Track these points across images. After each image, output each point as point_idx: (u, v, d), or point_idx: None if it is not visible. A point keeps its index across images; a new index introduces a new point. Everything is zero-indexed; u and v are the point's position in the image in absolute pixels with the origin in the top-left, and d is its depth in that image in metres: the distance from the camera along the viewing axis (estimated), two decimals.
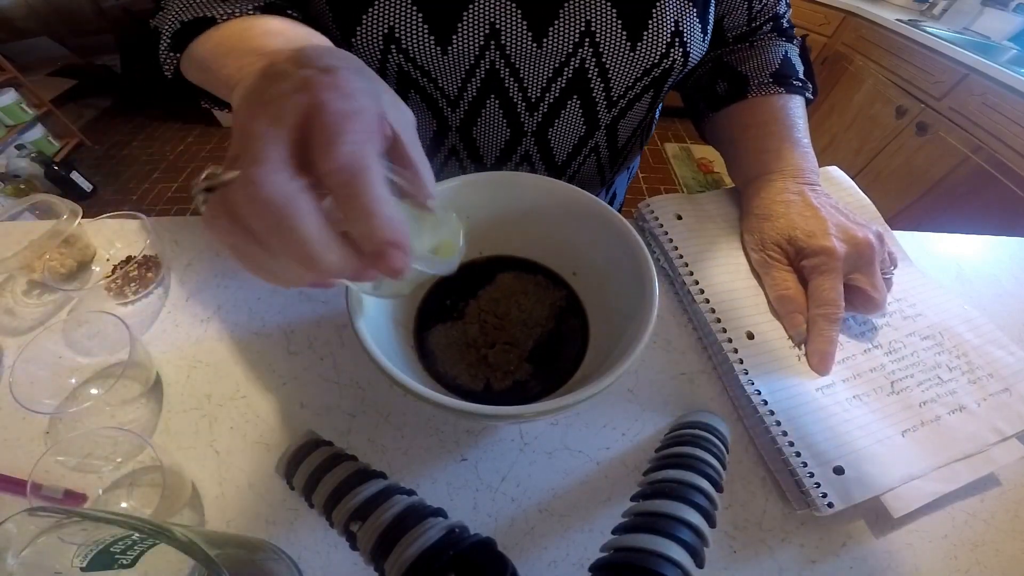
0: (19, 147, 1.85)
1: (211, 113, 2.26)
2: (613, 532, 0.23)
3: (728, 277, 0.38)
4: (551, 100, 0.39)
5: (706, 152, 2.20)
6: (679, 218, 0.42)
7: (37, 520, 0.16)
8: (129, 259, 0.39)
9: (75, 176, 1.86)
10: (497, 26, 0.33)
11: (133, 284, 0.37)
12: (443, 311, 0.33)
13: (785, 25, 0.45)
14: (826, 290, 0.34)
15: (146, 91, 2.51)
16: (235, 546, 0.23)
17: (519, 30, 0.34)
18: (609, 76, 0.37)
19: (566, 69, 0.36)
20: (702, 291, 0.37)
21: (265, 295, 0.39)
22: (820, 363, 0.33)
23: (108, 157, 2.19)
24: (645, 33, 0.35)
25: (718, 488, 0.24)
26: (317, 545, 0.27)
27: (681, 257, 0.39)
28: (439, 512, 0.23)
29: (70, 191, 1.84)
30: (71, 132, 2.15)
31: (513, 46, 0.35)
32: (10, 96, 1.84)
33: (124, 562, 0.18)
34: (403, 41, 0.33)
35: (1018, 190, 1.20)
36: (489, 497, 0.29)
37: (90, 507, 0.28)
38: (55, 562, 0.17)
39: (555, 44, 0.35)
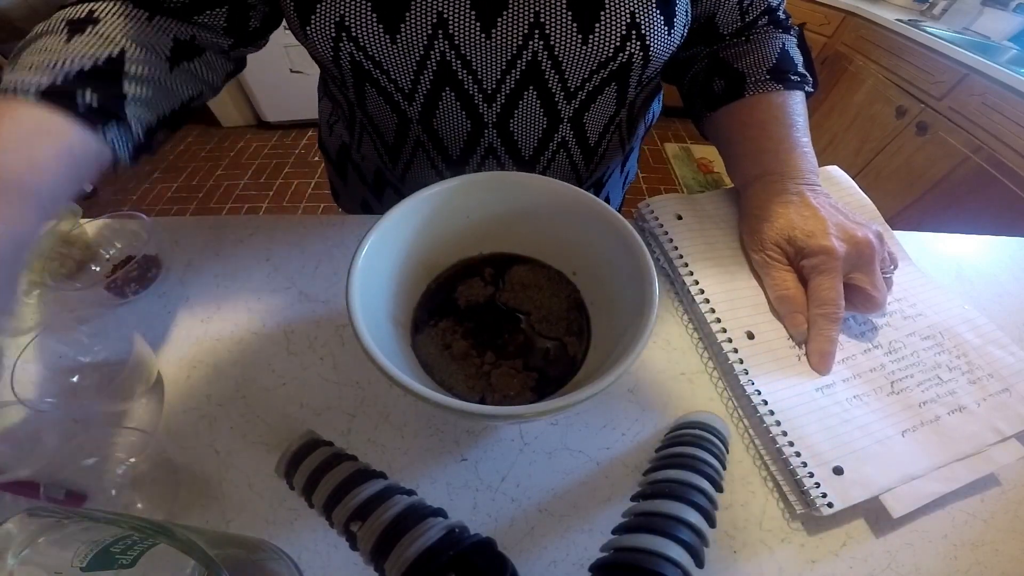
0: None
1: (211, 113, 2.26)
2: (613, 532, 0.23)
3: (728, 277, 0.38)
4: (507, 91, 0.38)
5: (706, 152, 2.20)
6: (679, 218, 0.42)
7: (37, 520, 0.16)
8: (129, 259, 0.39)
9: None
10: (445, 16, 0.33)
11: (133, 284, 0.37)
12: (445, 311, 0.33)
13: (781, 16, 0.44)
14: (826, 289, 0.34)
15: None
16: (235, 546, 0.23)
17: (467, 20, 0.34)
18: (563, 68, 0.36)
19: (519, 61, 0.36)
20: (702, 291, 0.37)
21: (265, 295, 0.39)
22: (820, 362, 0.34)
23: None
24: (597, 25, 0.34)
25: (718, 488, 0.24)
26: (317, 545, 0.27)
27: (681, 257, 0.39)
28: (439, 512, 0.23)
29: None
30: None
31: (462, 37, 0.34)
32: None
33: (124, 562, 0.18)
34: (353, 29, 0.33)
35: (1018, 190, 1.20)
36: (489, 497, 0.29)
37: (95, 507, 0.28)
38: (55, 562, 0.17)
39: (504, 36, 0.34)
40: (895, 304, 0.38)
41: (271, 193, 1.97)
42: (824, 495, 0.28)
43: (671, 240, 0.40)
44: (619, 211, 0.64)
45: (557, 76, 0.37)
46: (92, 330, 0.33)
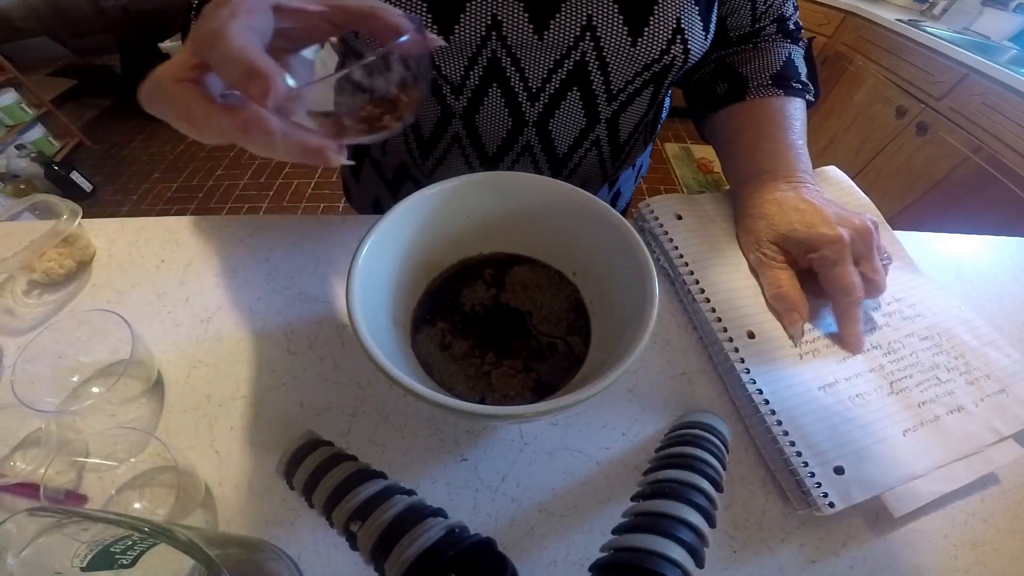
0: (19, 147, 1.85)
1: None
2: (613, 532, 0.23)
3: (728, 276, 0.38)
4: (552, 91, 0.39)
5: (706, 152, 2.20)
6: (679, 218, 0.42)
7: (37, 520, 0.16)
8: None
9: (75, 176, 1.87)
10: (499, 18, 0.34)
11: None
12: (445, 311, 0.33)
13: (791, 27, 0.46)
14: (845, 277, 0.34)
15: None
16: (235, 546, 0.23)
17: (521, 22, 0.34)
18: (609, 70, 0.37)
19: (567, 61, 0.37)
20: (702, 291, 0.37)
21: (265, 295, 0.39)
22: (857, 344, 0.35)
23: (108, 157, 2.19)
24: (646, 29, 0.35)
25: (718, 488, 0.24)
26: (317, 545, 0.27)
27: (681, 257, 0.39)
28: (439, 512, 0.23)
29: (70, 191, 1.84)
30: (71, 132, 2.15)
31: (515, 37, 0.35)
32: (10, 96, 1.84)
33: (124, 562, 0.18)
34: None
35: (1018, 190, 1.20)
36: (489, 497, 0.29)
37: (99, 508, 0.28)
38: (55, 562, 0.17)
39: (556, 37, 0.35)
40: (894, 304, 0.38)
41: (271, 193, 1.97)
42: (825, 495, 0.28)
43: (671, 240, 0.40)
44: (628, 206, 0.65)
45: (602, 77, 0.38)
46: (93, 329, 0.33)
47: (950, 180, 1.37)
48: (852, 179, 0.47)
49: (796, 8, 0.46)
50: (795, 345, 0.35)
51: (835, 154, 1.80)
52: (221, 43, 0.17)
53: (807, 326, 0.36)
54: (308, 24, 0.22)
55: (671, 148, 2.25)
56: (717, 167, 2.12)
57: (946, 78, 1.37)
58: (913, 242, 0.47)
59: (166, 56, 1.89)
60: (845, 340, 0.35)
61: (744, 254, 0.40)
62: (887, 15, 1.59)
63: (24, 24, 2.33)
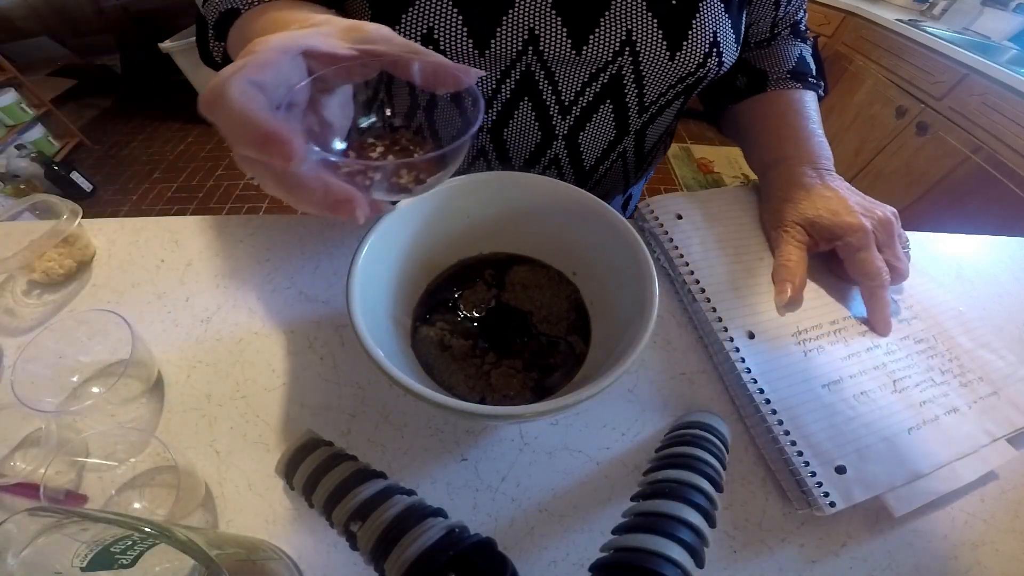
0: (19, 147, 1.85)
1: None
2: (613, 532, 0.23)
3: (729, 276, 0.38)
4: (584, 104, 0.39)
5: (706, 152, 2.20)
6: (679, 218, 0.42)
7: (37, 520, 0.16)
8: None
9: (75, 176, 1.86)
10: (536, 32, 0.34)
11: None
12: (445, 311, 0.33)
13: (802, 28, 0.48)
14: (871, 263, 0.35)
15: (146, 91, 2.51)
16: (235, 546, 0.23)
17: (559, 37, 0.34)
18: (644, 83, 0.38)
19: (602, 75, 0.37)
20: (703, 291, 0.37)
21: (265, 295, 0.39)
22: (885, 327, 0.36)
23: (108, 157, 2.19)
24: (685, 43, 0.35)
25: (718, 488, 0.24)
26: (317, 545, 0.27)
27: (681, 256, 0.39)
28: (439, 512, 0.23)
29: (70, 191, 1.84)
30: (71, 132, 2.15)
31: (551, 52, 0.35)
32: (10, 96, 1.84)
33: (124, 562, 0.18)
34: (441, 42, 0.33)
35: (1018, 190, 1.20)
36: (489, 497, 0.29)
37: (99, 508, 0.28)
38: (55, 562, 0.17)
39: (595, 52, 0.35)
40: (892, 306, 0.38)
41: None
42: (826, 494, 0.28)
43: (671, 240, 0.40)
44: (636, 208, 0.66)
45: (636, 91, 0.38)
46: (93, 329, 0.33)
47: (950, 180, 1.37)
48: (852, 179, 0.47)
49: (805, 12, 0.48)
50: (799, 343, 0.35)
51: (835, 154, 1.77)
52: (223, 105, 0.16)
53: (811, 323, 0.36)
54: (340, 65, 0.21)
55: (671, 148, 2.24)
56: (717, 167, 2.12)
57: (946, 78, 1.37)
58: (913, 242, 0.47)
59: (166, 56, 1.88)
60: (874, 324, 0.36)
61: (766, 232, 0.41)
62: (887, 15, 1.59)
63: (24, 24, 2.33)
